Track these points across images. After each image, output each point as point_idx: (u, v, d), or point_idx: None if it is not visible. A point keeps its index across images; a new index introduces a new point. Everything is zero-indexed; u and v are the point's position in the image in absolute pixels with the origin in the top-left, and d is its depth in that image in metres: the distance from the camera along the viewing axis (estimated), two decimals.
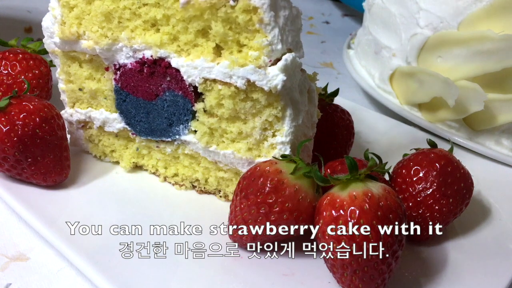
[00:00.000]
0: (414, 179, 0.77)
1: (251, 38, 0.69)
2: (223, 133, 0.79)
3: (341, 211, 0.63)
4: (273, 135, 0.76)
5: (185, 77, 0.75)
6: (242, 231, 0.71)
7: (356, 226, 0.62)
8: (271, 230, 0.69)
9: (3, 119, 0.75)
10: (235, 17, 0.68)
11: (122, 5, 0.74)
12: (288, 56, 0.70)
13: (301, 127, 0.77)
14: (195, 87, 0.76)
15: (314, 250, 0.72)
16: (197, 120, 0.79)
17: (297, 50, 0.73)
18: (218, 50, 0.73)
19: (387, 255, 0.63)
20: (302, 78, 0.76)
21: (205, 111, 0.78)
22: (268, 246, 0.73)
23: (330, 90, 0.96)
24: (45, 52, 0.85)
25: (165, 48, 0.75)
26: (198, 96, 0.78)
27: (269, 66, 0.70)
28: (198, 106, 0.78)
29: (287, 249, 0.74)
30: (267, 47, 0.68)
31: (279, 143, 0.76)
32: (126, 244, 0.72)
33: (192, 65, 0.74)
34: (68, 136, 0.84)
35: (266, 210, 0.68)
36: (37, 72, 0.92)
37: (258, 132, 0.76)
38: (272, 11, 0.67)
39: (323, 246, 0.66)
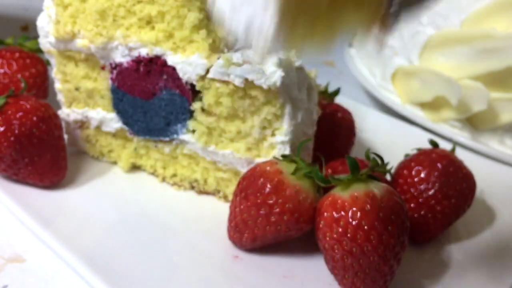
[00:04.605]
0: (416, 179, 0.77)
1: None
2: (222, 132, 0.78)
3: (342, 212, 0.62)
4: (273, 134, 0.76)
5: (181, 75, 0.75)
6: (242, 232, 0.70)
7: (357, 227, 0.61)
8: (271, 231, 0.69)
9: None
10: None
11: (117, 2, 0.74)
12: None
13: (301, 125, 0.77)
14: (193, 85, 0.76)
15: (315, 251, 0.72)
16: (195, 119, 0.79)
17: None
18: (214, 46, 0.73)
19: (389, 257, 0.63)
20: (301, 75, 0.76)
21: (203, 110, 0.77)
22: (268, 247, 0.72)
23: (331, 89, 0.96)
24: (41, 50, 0.85)
25: (160, 45, 0.75)
26: (195, 94, 0.77)
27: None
28: (196, 105, 0.77)
29: (288, 250, 0.74)
30: None
31: (279, 143, 0.75)
32: (125, 245, 0.72)
33: (187, 62, 0.73)
34: (65, 136, 0.84)
35: (266, 211, 0.68)
36: (34, 70, 0.91)
37: (257, 131, 0.75)
38: None
39: (324, 248, 0.65)
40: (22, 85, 0.83)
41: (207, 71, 0.73)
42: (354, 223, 0.61)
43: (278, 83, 0.69)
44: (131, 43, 0.75)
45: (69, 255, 0.68)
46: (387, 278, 0.64)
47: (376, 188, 0.64)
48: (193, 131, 0.80)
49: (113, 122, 0.85)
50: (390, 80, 1.24)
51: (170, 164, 0.86)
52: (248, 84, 0.72)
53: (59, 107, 0.88)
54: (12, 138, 0.74)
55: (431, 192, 0.75)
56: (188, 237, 0.75)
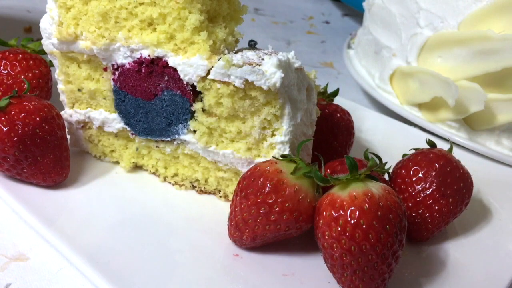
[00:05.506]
0: (414, 179, 0.77)
1: None
2: (222, 132, 0.79)
3: (341, 211, 0.63)
4: (272, 135, 0.77)
5: (182, 76, 0.75)
6: (242, 231, 0.71)
7: (356, 226, 0.62)
8: (271, 230, 0.69)
9: (3, 119, 0.75)
10: None
11: (119, 4, 0.75)
12: (282, 55, 0.71)
13: (300, 125, 0.78)
14: (194, 86, 0.76)
15: (314, 250, 0.72)
16: (196, 120, 0.79)
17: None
18: (214, 48, 0.74)
19: (387, 255, 0.63)
20: (300, 75, 0.77)
21: (203, 110, 0.78)
22: (268, 246, 0.73)
23: (330, 90, 0.96)
24: (45, 52, 0.85)
25: (162, 47, 0.75)
26: (196, 95, 0.78)
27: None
28: (197, 106, 0.78)
29: (287, 249, 0.74)
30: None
31: (279, 143, 0.76)
32: (126, 244, 0.72)
33: (188, 63, 0.74)
34: (68, 137, 0.84)
35: (266, 210, 0.68)
36: (37, 72, 0.92)
37: (257, 131, 0.76)
38: None
39: (323, 246, 0.66)
40: (25, 86, 0.83)
41: (208, 72, 0.73)
42: (352, 222, 0.62)
43: (278, 84, 0.70)
44: (133, 44, 0.76)
45: (71, 254, 0.68)
46: (386, 276, 0.65)
47: (375, 187, 0.65)
48: (194, 132, 0.81)
49: (115, 122, 0.86)
50: (388, 81, 1.25)
51: (171, 164, 0.87)
52: (248, 85, 0.72)
53: (62, 107, 0.88)
54: (15, 138, 0.75)
55: (428, 192, 0.76)
56: (189, 235, 0.75)
